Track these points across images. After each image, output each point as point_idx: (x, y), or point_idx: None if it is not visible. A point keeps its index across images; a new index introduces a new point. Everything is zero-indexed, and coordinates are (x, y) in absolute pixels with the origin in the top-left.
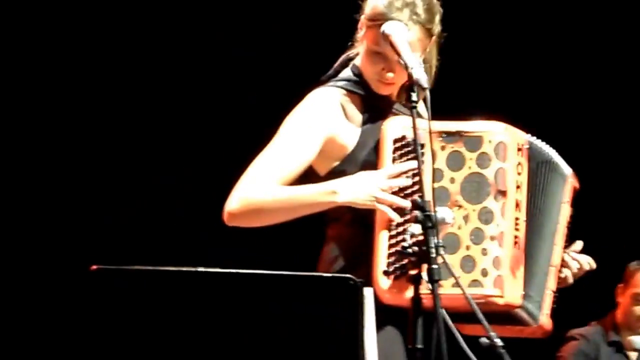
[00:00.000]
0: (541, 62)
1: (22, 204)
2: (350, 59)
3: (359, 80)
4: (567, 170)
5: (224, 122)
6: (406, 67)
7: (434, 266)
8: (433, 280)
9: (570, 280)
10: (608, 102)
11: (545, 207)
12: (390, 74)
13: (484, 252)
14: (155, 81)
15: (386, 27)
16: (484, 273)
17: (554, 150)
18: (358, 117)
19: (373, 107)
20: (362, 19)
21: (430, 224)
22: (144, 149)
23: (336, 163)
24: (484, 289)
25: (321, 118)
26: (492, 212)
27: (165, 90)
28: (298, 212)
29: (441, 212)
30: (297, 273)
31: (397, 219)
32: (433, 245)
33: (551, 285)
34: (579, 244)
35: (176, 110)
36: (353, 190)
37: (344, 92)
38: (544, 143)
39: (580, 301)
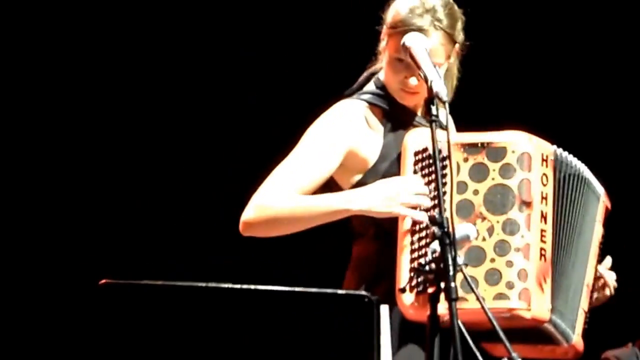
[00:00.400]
0: (572, 74)
1: (18, 206)
2: (374, 74)
3: (383, 93)
4: (599, 189)
5: (224, 123)
6: (426, 80)
7: (452, 284)
8: (451, 299)
9: (608, 294)
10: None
11: (575, 222)
12: (413, 82)
13: (509, 264)
14: (155, 82)
15: (407, 39)
16: (510, 285)
17: (586, 167)
18: (380, 129)
19: (396, 119)
20: (384, 28)
21: (448, 241)
22: (143, 149)
23: (358, 176)
24: (509, 302)
25: (344, 131)
26: (516, 223)
27: (165, 90)
28: (315, 220)
29: (464, 229)
30: (312, 290)
31: (420, 218)
32: (451, 262)
33: (584, 304)
34: (608, 260)
35: (176, 110)
36: (370, 197)
37: (367, 104)
38: (574, 157)
39: (618, 321)
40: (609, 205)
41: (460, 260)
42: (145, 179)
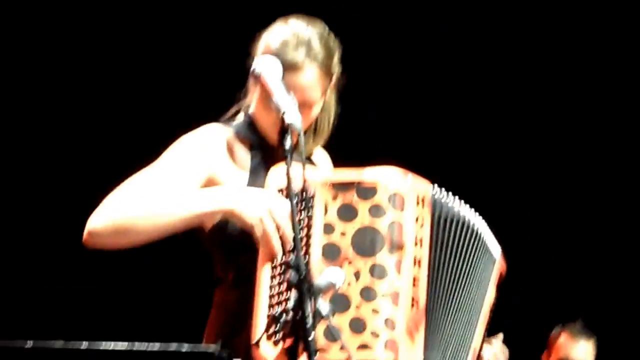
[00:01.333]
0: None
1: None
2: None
3: (252, 126)
4: (494, 248)
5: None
6: (278, 110)
7: (310, 336)
8: (309, 352)
9: None
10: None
11: (458, 271)
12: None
13: (375, 311)
14: (155, 82)
15: (257, 66)
16: (375, 335)
17: (484, 222)
18: (247, 164)
19: (265, 155)
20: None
21: (306, 288)
22: (139, 150)
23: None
24: (373, 353)
25: (207, 154)
26: (384, 268)
27: (164, 91)
28: (173, 225)
29: (330, 275)
30: (155, 347)
31: (279, 251)
32: (310, 311)
33: None
34: (500, 336)
35: (174, 111)
36: (239, 197)
37: (235, 134)
38: (463, 203)
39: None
40: (504, 271)
41: (324, 309)
42: None
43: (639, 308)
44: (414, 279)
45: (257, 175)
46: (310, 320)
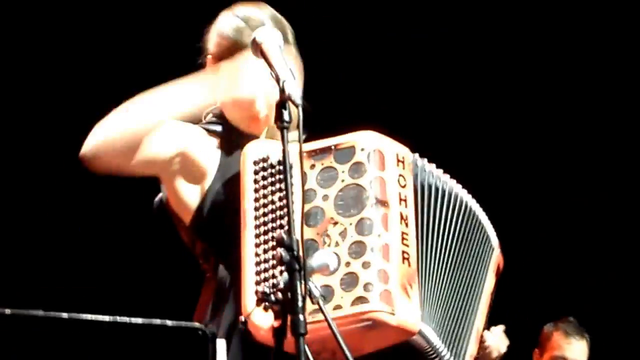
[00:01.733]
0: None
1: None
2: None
3: (221, 121)
4: (492, 235)
5: None
6: (278, 80)
7: (300, 317)
8: (298, 334)
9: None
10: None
11: (448, 242)
12: (259, 107)
13: (366, 265)
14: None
15: (257, 35)
16: (368, 288)
17: (484, 213)
18: (219, 150)
19: (237, 142)
20: (209, 58)
21: (297, 267)
22: None
23: (195, 202)
24: (369, 305)
25: (181, 131)
26: (371, 222)
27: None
28: (168, 109)
29: (323, 256)
30: (138, 320)
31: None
32: (300, 291)
33: (472, 349)
34: (501, 327)
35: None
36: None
37: (203, 131)
38: (451, 179)
39: None
40: (501, 263)
41: (316, 291)
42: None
43: (631, 305)
44: (402, 235)
45: (229, 159)
46: (300, 302)
